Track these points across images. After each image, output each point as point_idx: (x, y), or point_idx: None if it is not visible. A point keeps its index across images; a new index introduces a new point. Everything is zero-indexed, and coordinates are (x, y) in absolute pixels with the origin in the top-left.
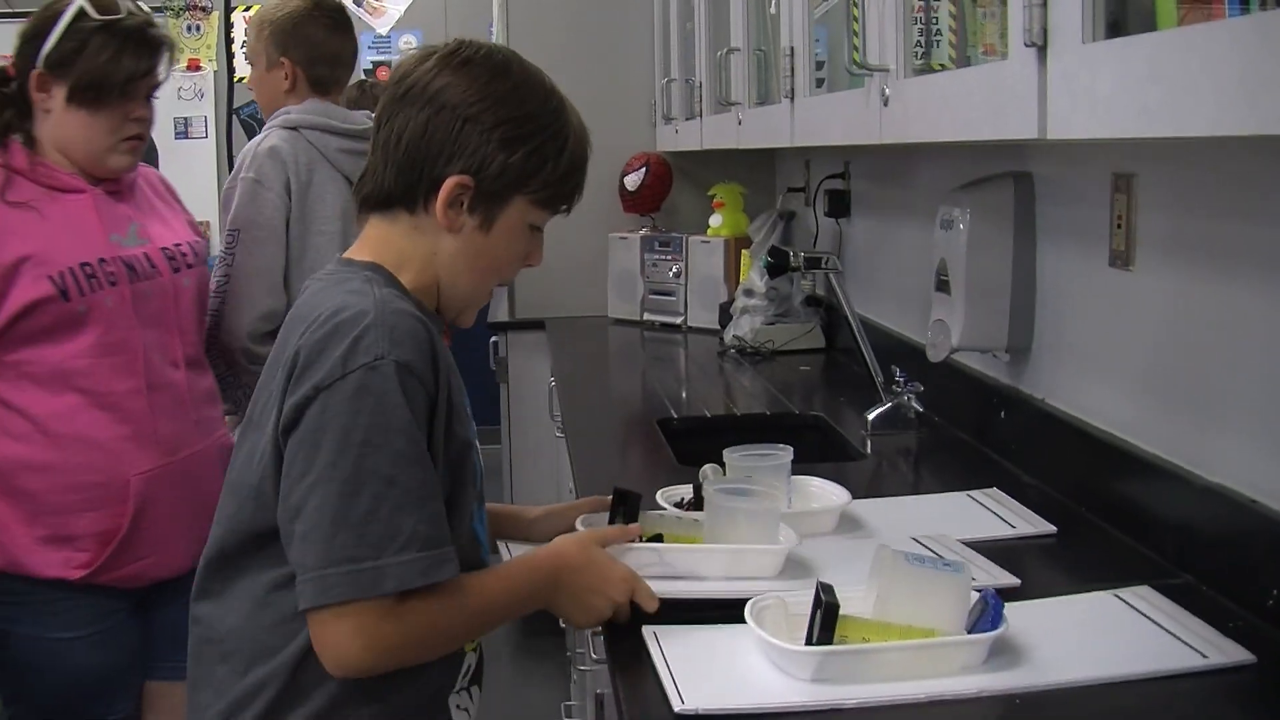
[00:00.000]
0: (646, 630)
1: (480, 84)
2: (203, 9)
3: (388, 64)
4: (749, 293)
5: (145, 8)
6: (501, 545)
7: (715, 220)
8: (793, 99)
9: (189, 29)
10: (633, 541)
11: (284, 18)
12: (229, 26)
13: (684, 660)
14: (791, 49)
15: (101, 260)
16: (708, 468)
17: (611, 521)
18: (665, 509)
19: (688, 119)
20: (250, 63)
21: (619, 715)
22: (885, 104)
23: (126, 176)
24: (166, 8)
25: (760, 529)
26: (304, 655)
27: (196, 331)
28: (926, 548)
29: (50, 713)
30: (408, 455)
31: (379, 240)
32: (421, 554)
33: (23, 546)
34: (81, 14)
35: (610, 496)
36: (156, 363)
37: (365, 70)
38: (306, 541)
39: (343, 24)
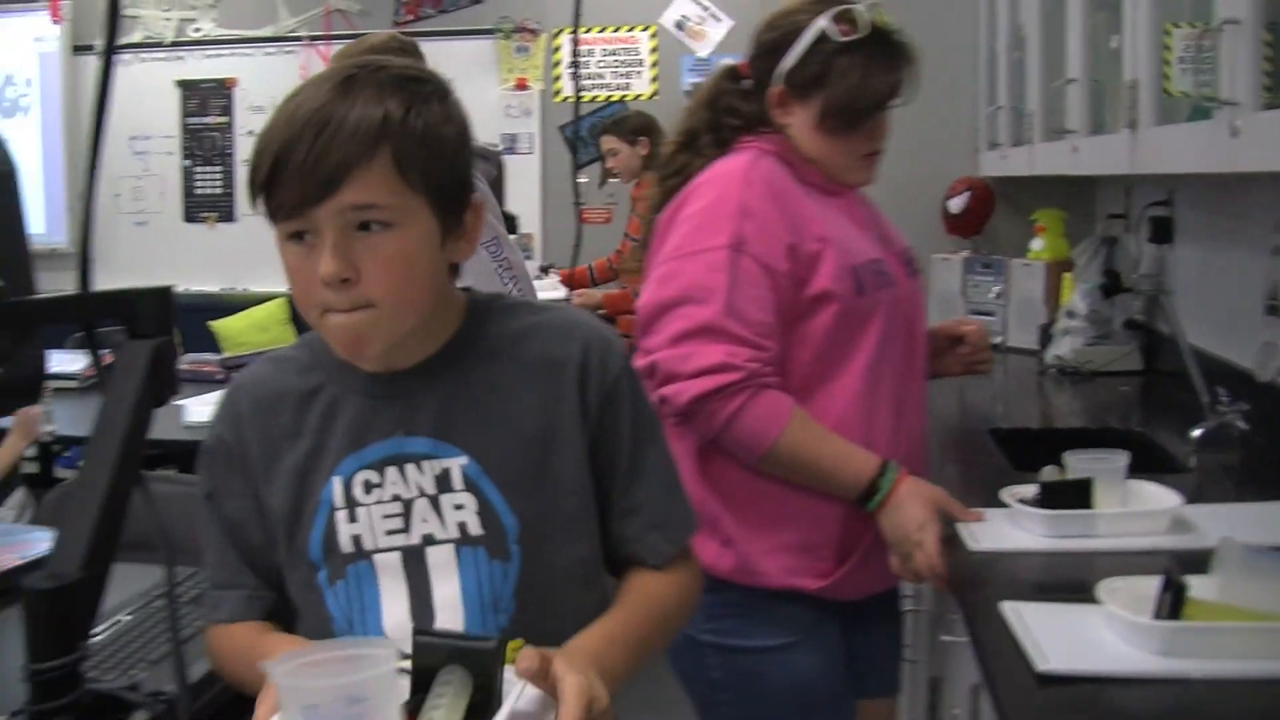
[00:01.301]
0: (1005, 606)
1: None
2: (531, 31)
3: None
4: (1071, 314)
5: (887, 18)
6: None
7: (1036, 244)
8: (1134, 129)
9: (518, 50)
10: None
11: None
12: (575, 50)
13: (1042, 629)
14: (1135, 81)
15: (878, 260)
16: (1048, 468)
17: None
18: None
19: (1015, 145)
20: None
21: (985, 675)
22: (1233, 135)
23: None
24: (498, 30)
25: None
26: None
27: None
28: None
29: None
30: (202, 514)
31: None
32: (211, 593)
33: (758, 552)
34: (823, 36)
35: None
36: (905, 371)
37: (685, 91)
38: None
39: None
